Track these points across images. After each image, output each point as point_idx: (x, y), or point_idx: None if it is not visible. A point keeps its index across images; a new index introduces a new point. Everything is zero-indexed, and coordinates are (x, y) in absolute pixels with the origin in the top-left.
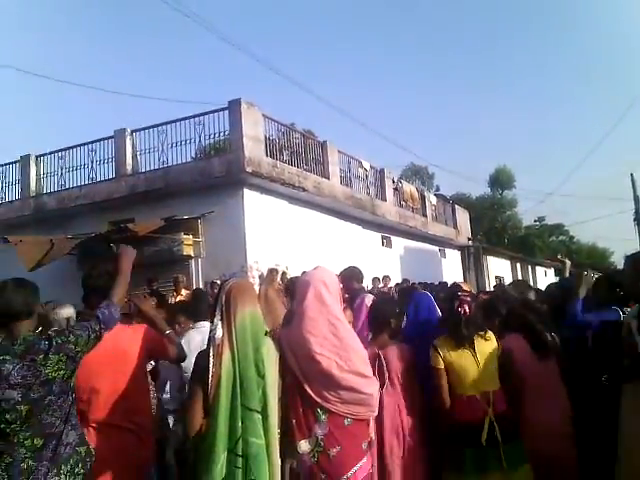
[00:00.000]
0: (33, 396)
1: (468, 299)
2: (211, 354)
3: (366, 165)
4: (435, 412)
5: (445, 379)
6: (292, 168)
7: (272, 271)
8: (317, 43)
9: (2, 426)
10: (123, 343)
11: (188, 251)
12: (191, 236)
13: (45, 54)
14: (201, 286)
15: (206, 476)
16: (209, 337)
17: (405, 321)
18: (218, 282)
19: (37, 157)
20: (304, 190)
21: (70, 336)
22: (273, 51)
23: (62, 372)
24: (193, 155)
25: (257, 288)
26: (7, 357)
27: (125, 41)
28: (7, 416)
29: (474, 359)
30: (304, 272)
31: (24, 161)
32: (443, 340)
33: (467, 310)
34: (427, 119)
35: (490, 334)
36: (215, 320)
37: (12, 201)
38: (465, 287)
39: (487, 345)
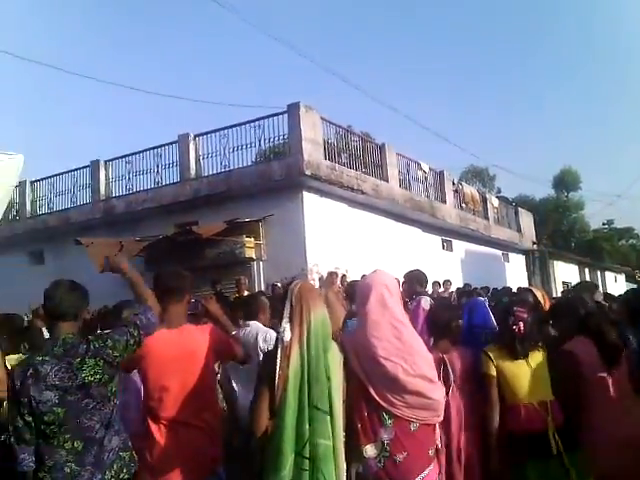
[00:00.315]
0: (70, 399)
1: (524, 316)
2: (279, 355)
3: (425, 167)
4: (485, 420)
5: (496, 387)
6: (351, 171)
7: (332, 274)
8: (374, 45)
9: (42, 427)
10: (192, 343)
11: (250, 253)
12: (252, 239)
13: (114, 61)
14: (262, 288)
15: (274, 477)
16: (276, 338)
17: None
18: (279, 284)
19: (106, 162)
20: (363, 193)
21: (108, 341)
22: (330, 53)
23: (98, 377)
24: (253, 159)
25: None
26: (46, 358)
27: (188, 47)
28: (45, 418)
29: (528, 367)
30: (364, 275)
31: (94, 166)
32: (496, 348)
33: (522, 328)
34: (487, 119)
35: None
36: (283, 322)
37: (83, 204)
38: (537, 292)
39: (540, 354)
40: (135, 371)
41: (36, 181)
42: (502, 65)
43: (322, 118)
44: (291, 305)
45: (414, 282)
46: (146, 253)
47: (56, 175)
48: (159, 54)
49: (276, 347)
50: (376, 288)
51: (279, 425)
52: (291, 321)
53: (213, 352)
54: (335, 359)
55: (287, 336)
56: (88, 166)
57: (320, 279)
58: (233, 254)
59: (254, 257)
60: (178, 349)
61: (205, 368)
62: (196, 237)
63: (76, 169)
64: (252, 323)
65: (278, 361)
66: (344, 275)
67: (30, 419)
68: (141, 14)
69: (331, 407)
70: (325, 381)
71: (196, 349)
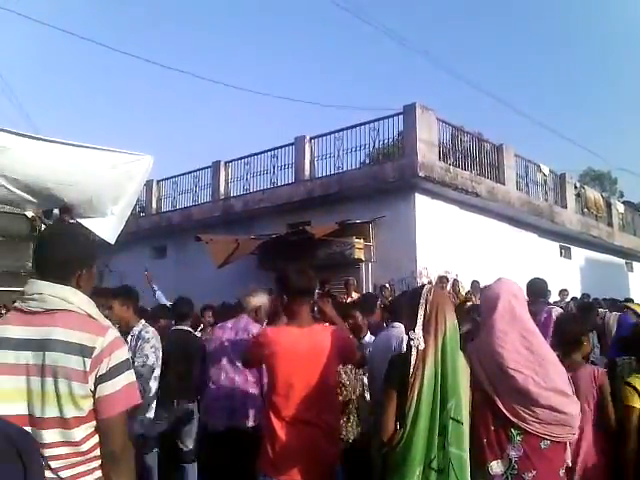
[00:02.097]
0: None
1: None
2: (412, 362)
3: (545, 170)
4: (625, 452)
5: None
6: (465, 172)
7: (442, 279)
8: (489, 41)
9: None
10: (320, 343)
11: (359, 255)
12: (362, 240)
13: (235, 66)
14: (371, 290)
15: None
16: (408, 344)
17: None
18: (387, 286)
19: (226, 163)
20: (477, 195)
21: None
22: (443, 51)
23: None
24: (366, 160)
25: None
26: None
27: (304, 50)
28: None
29: None
30: (474, 281)
31: (215, 167)
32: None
33: None
34: (608, 116)
35: None
36: (417, 329)
37: (204, 203)
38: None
39: None
40: None
41: (162, 180)
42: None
43: (438, 118)
44: (425, 311)
45: (537, 292)
46: (260, 251)
47: (180, 175)
48: (278, 59)
49: (408, 352)
50: (504, 297)
51: (409, 434)
52: (425, 327)
53: (338, 353)
54: (463, 370)
55: (421, 344)
56: (210, 167)
57: (429, 283)
58: (343, 255)
59: (363, 258)
60: (307, 348)
61: (330, 369)
62: (308, 237)
63: (198, 169)
64: (397, 325)
65: (412, 367)
66: (455, 280)
67: None
68: (256, 19)
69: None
70: (462, 392)
71: (323, 349)
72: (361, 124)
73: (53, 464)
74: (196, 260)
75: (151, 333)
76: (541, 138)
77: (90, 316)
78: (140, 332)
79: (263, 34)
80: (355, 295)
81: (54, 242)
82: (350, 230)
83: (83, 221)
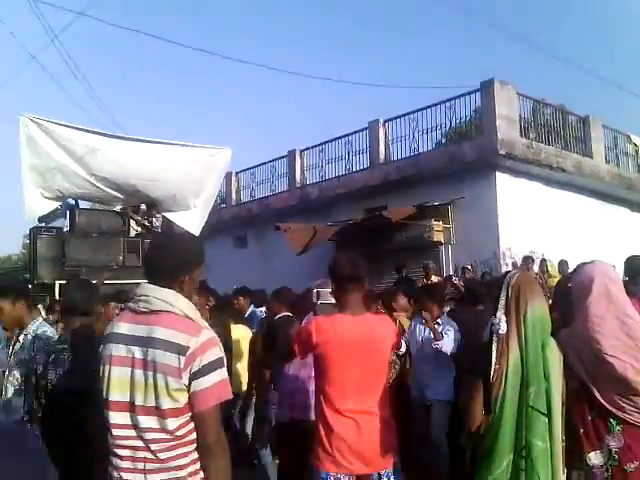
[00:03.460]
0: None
1: None
2: (494, 349)
3: (636, 140)
4: None
5: None
6: (549, 148)
7: (527, 259)
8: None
9: (52, 407)
10: (373, 332)
11: (438, 237)
12: (441, 222)
13: (303, 54)
14: (451, 272)
15: (487, 475)
16: (490, 330)
17: None
18: (469, 267)
19: (301, 151)
20: (563, 171)
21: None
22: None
23: None
24: (442, 141)
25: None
26: (65, 346)
27: (375, 33)
28: (55, 402)
29: None
30: (562, 261)
31: (290, 155)
32: None
33: None
34: None
35: None
36: (498, 313)
37: (281, 192)
38: None
39: None
40: None
41: (240, 172)
42: None
43: (518, 93)
44: (507, 296)
45: (635, 269)
46: (337, 237)
47: (257, 166)
48: (346, 44)
49: (491, 340)
50: (598, 279)
51: (496, 423)
52: (507, 313)
53: (390, 342)
54: (555, 356)
55: (503, 328)
56: (285, 156)
57: (514, 264)
58: (421, 238)
59: (442, 241)
60: (362, 336)
61: (384, 358)
62: (385, 221)
63: (275, 159)
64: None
65: (494, 354)
66: (543, 260)
67: (44, 401)
68: (323, 5)
69: (549, 408)
70: (543, 380)
71: (378, 338)
72: (436, 104)
73: (152, 447)
74: (276, 248)
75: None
76: (631, 107)
77: (188, 317)
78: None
79: (333, 21)
80: (435, 279)
81: (162, 250)
82: (428, 213)
83: (168, 215)
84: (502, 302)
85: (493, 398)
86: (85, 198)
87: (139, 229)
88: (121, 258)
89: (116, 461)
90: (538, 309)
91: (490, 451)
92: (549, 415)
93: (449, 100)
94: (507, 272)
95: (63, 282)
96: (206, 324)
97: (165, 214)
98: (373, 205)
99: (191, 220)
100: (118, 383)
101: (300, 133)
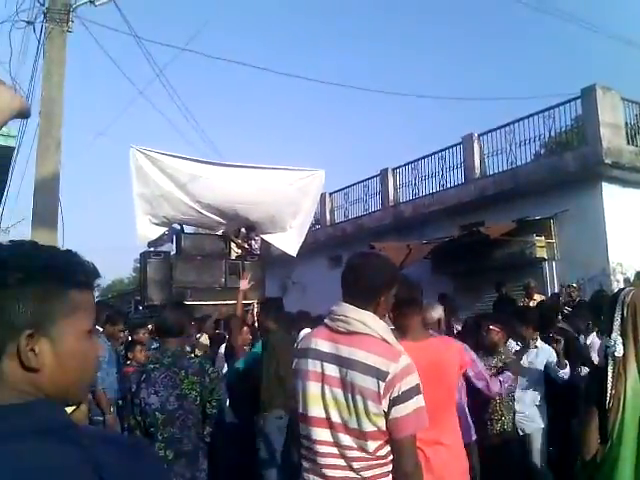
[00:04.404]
0: (168, 407)
1: None
2: (610, 373)
3: None
4: None
5: None
6: None
7: None
8: None
9: (146, 427)
10: (439, 356)
11: (540, 253)
12: (543, 237)
13: (397, 71)
14: (556, 290)
15: None
16: (605, 354)
17: None
18: (575, 285)
19: (394, 169)
20: None
21: (210, 370)
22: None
23: (194, 393)
24: (541, 152)
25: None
26: (157, 366)
27: (466, 46)
28: (148, 419)
29: None
30: None
31: (383, 174)
32: None
33: None
34: None
35: None
36: (613, 335)
37: (374, 211)
38: None
39: None
40: None
41: (334, 192)
42: None
43: (623, 98)
44: (622, 315)
45: None
46: (432, 255)
47: (350, 186)
48: (443, 59)
49: (606, 363)
50: None
51: (615, 452)
52: (623, 334)
53: (457, 366)
54: None
55: (619, 350)
56: (378, 175)
57: (626, 280)
58: (522, 254)
59: (545, 257)
60: (427, 363)
61: (452, 385)
62: (483, 238)
63: (367, 179)
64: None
65: (610, 378)
66: None
67: (140, 419)
68: (414, 22)
69: None
70: None
71: (443, 364)
72: (533, 114)
73: (355, 465)
74: None
75: None
76: None
77: (385, 341)
78: None
79: (424, 37)
80: (538, 297)
81: (362, 270)
82: (529, 228)
83: (266, 237)
84: (617, 322)
85: (610, 425)
86: (190, 223)
87: (239, 251)
88: (223, 280)
89: (315, 477)
90: None
91: None
92: None
93: (547, 110)
94: (621, 289)
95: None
96: (402, 348)
97: (263, 236)
98: (469, 221)
99: (288, 241)
100: (315, 399)
101: (393, 151)
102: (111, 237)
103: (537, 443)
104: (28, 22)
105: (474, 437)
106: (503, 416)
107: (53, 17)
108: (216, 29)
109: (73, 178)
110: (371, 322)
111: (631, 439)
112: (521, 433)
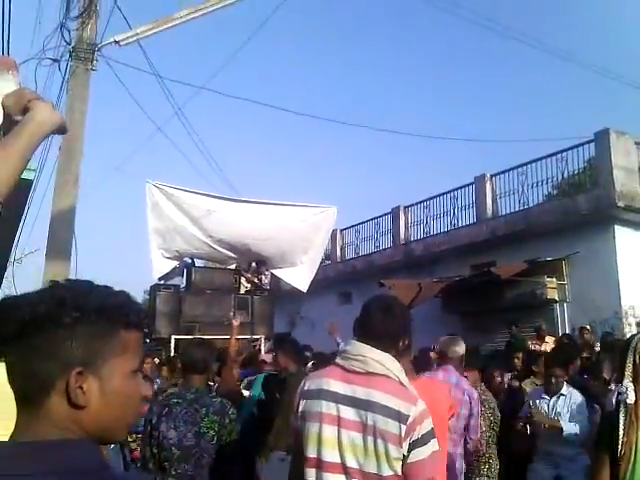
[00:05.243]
0: (185, 443)
1: None
2: (621, 419)
3: None
4: None
5: None
6: None
7: None
8: None
9: (161, 461)
10: (430, 397)
11: (552, 295)
12: (555, 279)
13: (405, 112)
14: (567, 331)
15: None
16: (617, 400)
17: None
18: (588, 327)
19: (405, 208)
20: None
21: (231, 411)
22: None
23: (212, 432)
24: (553, 193)
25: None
26: (180, 401)
27: (479, 89)
28: (164, 453)
29: None
30: None
31: (394, 212)
32: None
33: None
34: None
35: None
36: (625, 381)
37: (385, 249)
38: None
39: None
40: None
41: (345, 229)
42: None
43: (636, 143)
44: (634, 362)
45: None
46: (443, 294)
47: (361, 223)
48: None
49: (617, 410)
50: None
51: None
52: (635, 380)
53: (447, 407)
54: None
55: (631, 397)
56: (389, 213)
57: (638, 324)
58: (533, 295)
59: (557, 298)
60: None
61: (443, 424)
62: (493, 278)
63: (379, 216)
64: None
65: (622, 426)
66: None
67: (156, 451)
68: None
69: None
70: None
71: (434, 404)
72: (547, 156)
73: None
74: None
75: None
76: None
77: (402, 384)
78: None
79: (432, 78)
80: (549, 340)
81: (384, 313)
82: (540, 269)
83: (276, 271)
84: (629, 368)
85: (622, 473)
86: (201, 257)
87: (249, 286)
88: (232, 314)
89: None
90: None
91: None
92: None
93: (560, 152)
94: (632, 336)
95: (179, 337)
96: (416, 392)
97: (274, 271)
98: (480, 261)
99: (299, 276)
100: (330, 443)
101: (405, 190)
102: (122, 269)
103: None
104: (54, 60)
105: None
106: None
107: (78, 55)
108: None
109: (89, 211)
110: (390, 364)
111: None
112: None
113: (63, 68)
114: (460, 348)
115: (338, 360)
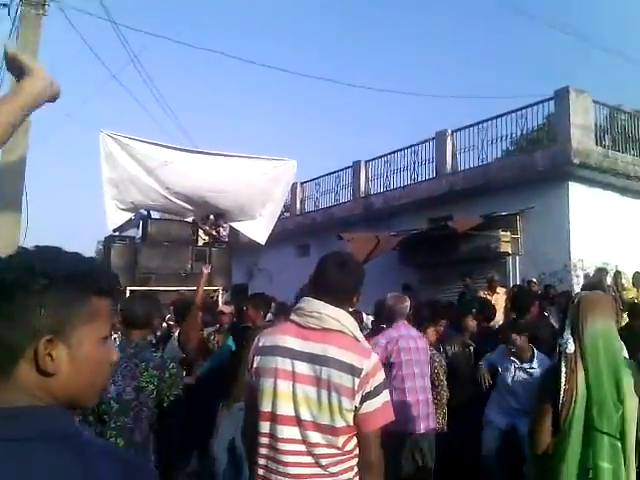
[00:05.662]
0: (125, 397)
1: None
2: (563, 370)
3: None
4: None
5: None
6: (627, 156)
7: (601, 271)
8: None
9: (100, 414)
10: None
11: (505, 248)
12: (509, 233)
13: (368, 65)
14: (518, 283)
15: None
16: (559, 351)
17: None
18: (535, 280)
19: (366, 162)
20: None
21: (171, 366)
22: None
23: (152, 387)
24: (512, 149)
25: (578, 289)
26: (121, 354)
27: (442, 43)
28: (103, 406)
29: None
30: (637, 273)
31: (355, 166)
32: None
33: None
34: None
35: None
36: (565, 333)
37: (345, 202)
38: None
39: None
40: None
41: (305, 182)
42: None
43: (594, 101)
44: (571, 317)
45: None
46: (401, 247)
47: (322, 176)
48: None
49: (560, 360)
50: None
51: (563, 445)
52: (574, 333)
53: None
54: (629, 383)
55: (570, 348)
56: (350, 166)
57: (586, 276)
58: (487, 248)
59: (510, 252)
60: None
61: None
62: (450, 232)
63: (339, 170)
64: None
65: (563, 375)
66: (617, 272)
67: (95, 404)
68: (388, 14)
69: (623, 432)
70: (609, 401)
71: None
72: (506, 113)
73: (322, 461)
74: None
75: None
76: None
77: (356, 338)
78: None
79: (398, 30)
80: (500, 291)
81: (339, 270)
82: (495, 223)
83: (234, 224)
84: (568, 322)
85: (562, 419)
86: (158, 209)
87: (207, 238)
88: (189, 266)
89: (277, 477)
90: (600, 330)
91: (557, 472)
92: (622, 439)
93: (520, 109)
94: (566, 291)
95: (134, 289)
96: (369, 346)
97: (232, 224)
98: (438, 215)
99: (257, 229)
100: (285, 397)
101: (366, 144)
102: (75, 219)
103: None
104: (3, 4)
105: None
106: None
107: (29, 0)
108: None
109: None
110: (345, 320)
111: (578, 433)
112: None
113: (13, 13)
114: (408, 304)
115: (293, 317)
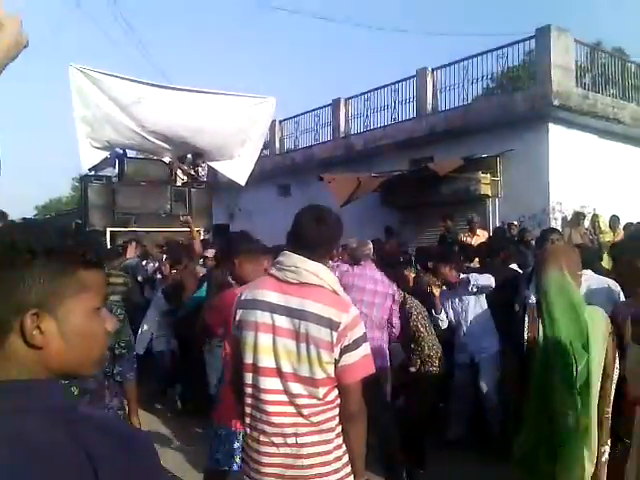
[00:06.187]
0: None
1: None
2: (526, 320)
3: None
4: None
5: None
6: (606, 98)
7: (579, 214)
8: None
9: None
10: None
11: (485, 190)
12: (489, 175)
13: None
14: (498, 226)
15: (517, 440)
16: (523, 303)
17: None
18: (515, 223)
19: (346, 100)
20: (619, 122)
21: (118, 312)
22: None
23: None
24: (489, 85)
25: (562, 230)
26: None
27: None
28: None
29: None
30: (613, 216)
31: (335, 104)
32: None
33: None
34: None
35: None
36: (530, 285)
37: (325, 142)
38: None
39: None
40: None
41: (284, 120)
42: None
43: (576, 41)
44: (535, 267)
45: None
46: (382, 188)
47: (301, 114)
48: None
49: (524, 310)
50: None
51: (529, 391)
52: (537, 284)
53: None
54: (597, 329)
55: (533, 299)
56: (330, 104)
57: (564, 219)
58: (467, 190)
59: (490, 194)
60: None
61: None
62: (431, 173)
63: (319, 107)
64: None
65: (526, 325)
66: (595, 215)
67: None
68: None
69: (587, 381)
70: (570, 351)
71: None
72: (487, 51)
73: (304, 411)
74: (319, 198)
75: None
76: None
77: (335, 292)
78: None
79: None
80: (481, 233)
81: (317, 224)
82: (475, 165)
83: (213, 164)
84: (534, 272)
85: (529, 368)
86: (133, 148)
87: (185, 178)
88: (168, 206)
89: (262, 426)
90: (553, 281)
91: (524, 419)
92: (584, 388)
93: (501, 48)
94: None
95: (114, 229)
96: (349, 299)
97: (210, 164)
98: (419, 156)
99: (236, 169)
100: (266, 350)
101: (347, 82)
102: (49, 154)
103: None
104: None
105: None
106: None
107: None
108: None
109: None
110: (323, 274)
111: (537, 382)
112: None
113: None
114: (370, 246)
115: (272, 271)
